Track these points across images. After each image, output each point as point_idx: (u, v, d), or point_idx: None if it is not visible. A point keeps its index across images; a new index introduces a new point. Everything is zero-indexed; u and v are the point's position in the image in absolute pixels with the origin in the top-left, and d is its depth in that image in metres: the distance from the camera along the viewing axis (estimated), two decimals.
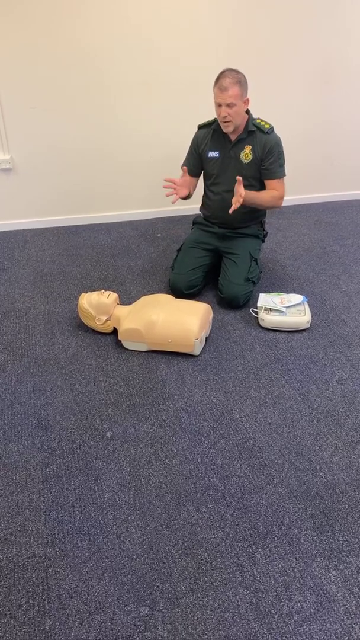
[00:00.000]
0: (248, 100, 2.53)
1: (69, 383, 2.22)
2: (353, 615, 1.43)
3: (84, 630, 1.40)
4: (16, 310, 2.70)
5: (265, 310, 2.54)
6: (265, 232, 2.92)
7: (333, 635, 1.39)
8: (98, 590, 1.48)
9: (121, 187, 3.57)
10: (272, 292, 2.78)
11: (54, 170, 3.40)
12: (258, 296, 2.65)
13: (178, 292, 2.71)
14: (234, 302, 2.66)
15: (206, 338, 2.46)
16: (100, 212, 3.62)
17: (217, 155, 2.69)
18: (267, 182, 2.69)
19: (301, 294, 2.70)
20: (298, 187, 3.72)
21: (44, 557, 1.57)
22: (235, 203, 2.49)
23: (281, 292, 2.78)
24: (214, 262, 2.83)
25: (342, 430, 2.00)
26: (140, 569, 1.54)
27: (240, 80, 2.46)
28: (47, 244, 3.36)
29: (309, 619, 1.42)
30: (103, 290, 2.49)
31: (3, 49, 2.99)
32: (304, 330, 2.54)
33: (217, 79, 2.47)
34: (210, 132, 2.68)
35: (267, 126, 2.62)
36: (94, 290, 2.76)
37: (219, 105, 2.50)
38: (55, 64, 3.09)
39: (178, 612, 1.44)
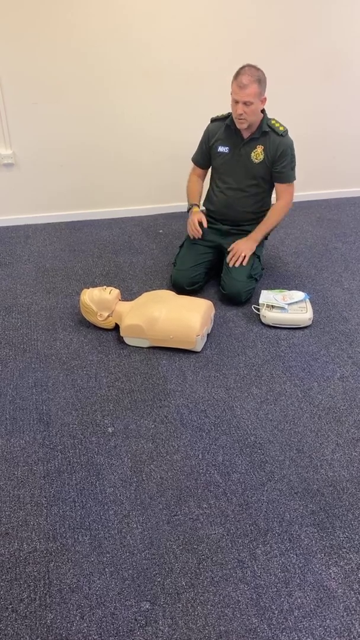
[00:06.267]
0: (265, 99, 2.49)
1: (70, 379, 2.22)
2: (353, 612, 1.43)
3: (85, 625, 1.40)
4: (18, 306, 2.70)
5: (267, 307, 2.54)
6: None
7: (333, 631, 1.39)
8: (99, 585, 1.49)
9: (123, 183, 3.56)
10: (274, 289, 2.78)
11: (56, 166, 3.40)
12: (260, 293, 2.65)
13: (180, 289, 2.71)
14: (236, 299, 2.66)
15: (208, 335, 2.46)
16: (102, 207, 3.62)
17: (226, 151, 2.66)
18: (277, 186, 2.68)
19: (303, 291, 2.69)
20: (300, 184, 3.67)
21: (45, 552, 1.57)
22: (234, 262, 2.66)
23: (283, 289, 2.78)
24: (216, 258, 2.82)
25: (343, 427, 2.00)
26: (141, 564, 1.54)
27: (260, 79, 2.41)
28: (49, 240, 3.36)
29: (309, 615, 1.43)
30: (105, 286, 2.49)
31: (5, 44, 2.98)
32: (306, 327, 2.54)
33: (237, 75, 2.42)
34: (223, 127, 2.65)
35: (281, 128, 2.58)
36: (96, 286, 2.76)
37: (235, 102, 2.45)
38: (58, 59, 3.08)
39: (179, 607, 1.44)
